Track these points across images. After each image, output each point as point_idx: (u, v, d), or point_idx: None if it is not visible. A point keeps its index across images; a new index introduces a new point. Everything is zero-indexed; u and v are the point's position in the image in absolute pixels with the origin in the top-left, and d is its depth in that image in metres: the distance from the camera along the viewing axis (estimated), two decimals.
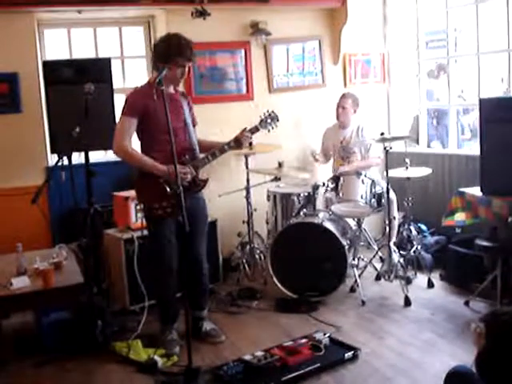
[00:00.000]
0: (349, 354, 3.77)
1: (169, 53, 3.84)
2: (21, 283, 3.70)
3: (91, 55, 5.62)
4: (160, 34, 5.52)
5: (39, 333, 4.17)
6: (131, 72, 5.74)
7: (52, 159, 5.27)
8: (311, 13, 6.32)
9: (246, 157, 5.36)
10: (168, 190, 3.78)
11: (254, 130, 4.19)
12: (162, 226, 3.94)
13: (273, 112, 4.28)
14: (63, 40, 5.58)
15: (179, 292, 4.19)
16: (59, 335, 4.05)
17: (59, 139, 4.72)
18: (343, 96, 5.80)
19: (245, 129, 4.15)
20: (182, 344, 4.04)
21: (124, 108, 3.90)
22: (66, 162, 4.36)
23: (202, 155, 4.09)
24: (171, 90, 3.98)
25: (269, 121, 4.25)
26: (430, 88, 6.90)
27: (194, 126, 4.17)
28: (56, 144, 4.83)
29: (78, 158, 4.81)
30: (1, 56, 5.08)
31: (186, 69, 3.95)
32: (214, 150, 4.04)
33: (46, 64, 4.97)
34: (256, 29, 5.94)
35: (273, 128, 4.29)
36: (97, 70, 4.85)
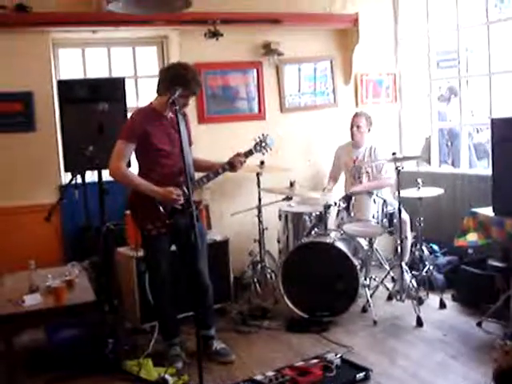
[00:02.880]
0: (360, 375, 3.74)
1: (172, 80, 3.88)
2: (33, 300, 3.71)
3: (105, 75, 5.69)
4: (173, 53, 5.63)
5: (50, 350, 4.18)
6: (145, 91, 5.79)
7: (65, 177, 5.31)
8: (323, 33, 6.37)
9: (258, 176, 5.38)
10: (162, 210, 3.91)
11: (248, 153, 4.27)
12: (157, 243, 4.05)
13: (267, 135, 4.38)
14: (78, 59, 5.65)
15: (185, 312, 4.29)
16: (70, 353, 4.06)
17: (73, 157, 4.76)
18: (356, 115, 5.81)
19: (239, 152, 4.22)
20: (187, 361, 4.10)
21: (122, 132, 3.95)
22: (79, 180, 4.39)
23: (197, 175, 4.17)
24: (170, 114, 3.99)
25: (263, 144, 4.34)
26: (441, 110, 6.91)
27: (189, 145, 4.23)
28: (69, 162, 4.87)
29: (91, 176, 4.84)
30: (16, 75, 5.14)
31: (189, 100, 4.03)
32: (208, 173, 4.14)
33: (60, 83, 5.02)
34: (268, 49, 5.99)
35: (267, 151, 4.38)
36: (111, 90, 4.90)
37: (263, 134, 4.37)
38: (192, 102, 5.63)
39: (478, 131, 6.89)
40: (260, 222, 5.41)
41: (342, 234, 5.09)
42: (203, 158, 4.39)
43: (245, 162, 4.23)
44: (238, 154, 4.20)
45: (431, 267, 5.30)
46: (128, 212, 4.66)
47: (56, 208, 4.21)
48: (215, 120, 5.88)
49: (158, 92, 4.05)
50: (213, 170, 4.14)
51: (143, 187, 3.92)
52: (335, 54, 6.45)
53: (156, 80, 5.86)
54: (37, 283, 3.94)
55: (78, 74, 5.62)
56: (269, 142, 4.36)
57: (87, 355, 4.02)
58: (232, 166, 4.16)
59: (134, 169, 4.22)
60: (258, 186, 5.39)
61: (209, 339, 4.27)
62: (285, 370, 3.79)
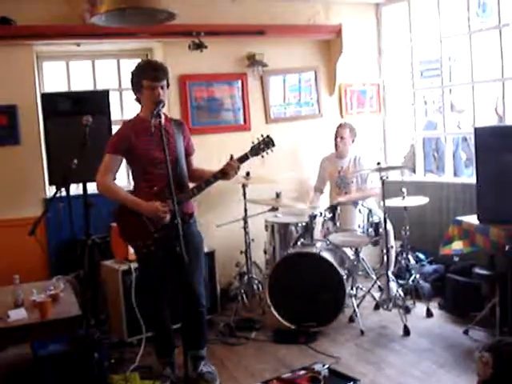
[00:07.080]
0: None
1: (135, 78, 3.83)
2: (18, 315, 3.67)
3: (89, 87, 5.68)
4: None
5: (36, 365, 4.13)
6: (129, 104, 5.78)
7: (50, 191, 5.28)
8: (307, 44, 6.40)
9: (244, 187, 5.37)
10: (151, 227, 3.75)
11: (244, 158, 3.93)
12: (149, 260, 3.93)
13: (267, 136, 4.01)
14: (62, 72, 5.64)
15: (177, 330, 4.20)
16: (56, 368, 4.01)
17: (57, 171, 4.73)
18: (340, 126, 5.84)
19: (231, 158, 3.92)
20: (175, 380, 4.01)
21: (108, 145, 3.87)
22: (64, 193, 4.36)
23: (191, 185, 3.98)
24: (162, 120, 3.69)
25: (261, 146, 3.97)
26: (432, 120, 6.99)
27: (189, 154, 4.08)
28: (54, 175, 4.84)
29: (76, 189, 4.82)
30: (0, 88, 5.12)
31: (160, 91, 3.76)
32: (199, 184, 3.89)
33: (44, 96, 5.00)
34: (253, 60, 6.01)
35: (267, 154, 4.00)
36: (95, 102, 4.88)
37: (262, 135, 4.03)
38: (177, 113, 5.70)
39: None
40: (246, 233, 5.40)
41: (328, 244, 5.09)
42: (203, 169, 4.13)
43: (239, 168, 3.90)
44: (232, 159, 3.90)
45: (417, 276, 5.32)
46: (114, 224, 4.64)
47: (41, 221, 4.18)
48: (200, 131, 5.86)
49: (137, 101, 3.96)
50: (204, 180, 3.89)
51: (129, 202, 3.79)
52: (319, 64, 6.48)
53: None
54: (21, 298, 3.91)
55: (62, 87, 5.61)
56: (269, 143, 3.98)
57: (73, 369, 3.97)
58: (225, 173, 3.86)
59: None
60: (244, 197, 5.39)
61: (197, 360, 4.04)
62: (272, 381, 3.78)
